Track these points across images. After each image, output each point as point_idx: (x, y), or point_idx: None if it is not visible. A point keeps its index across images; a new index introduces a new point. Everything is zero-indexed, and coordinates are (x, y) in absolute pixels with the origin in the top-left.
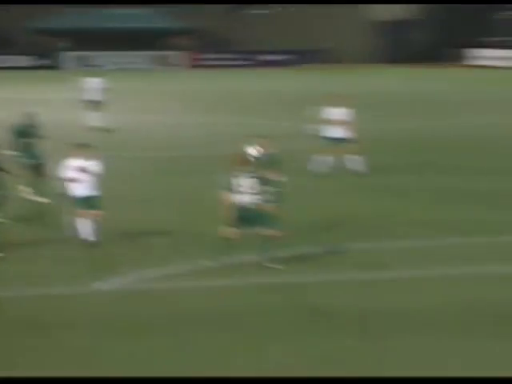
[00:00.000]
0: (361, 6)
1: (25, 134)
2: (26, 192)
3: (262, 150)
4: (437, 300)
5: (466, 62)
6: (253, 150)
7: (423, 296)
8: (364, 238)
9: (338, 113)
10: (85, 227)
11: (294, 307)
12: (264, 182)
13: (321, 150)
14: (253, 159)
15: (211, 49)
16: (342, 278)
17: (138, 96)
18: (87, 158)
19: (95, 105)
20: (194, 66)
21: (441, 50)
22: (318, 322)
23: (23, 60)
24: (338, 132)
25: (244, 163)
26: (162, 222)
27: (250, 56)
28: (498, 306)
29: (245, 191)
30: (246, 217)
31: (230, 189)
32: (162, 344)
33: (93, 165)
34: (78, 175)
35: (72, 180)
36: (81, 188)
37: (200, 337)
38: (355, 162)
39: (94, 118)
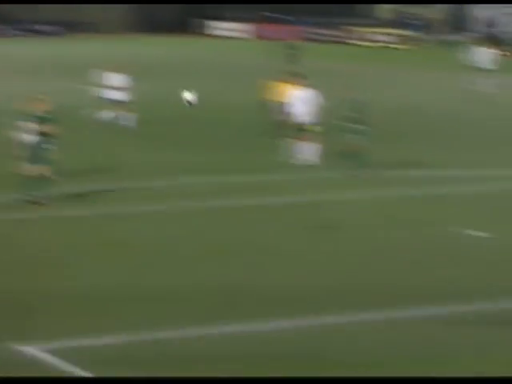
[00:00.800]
0: None
1: None
2: None
3: (42, 105)
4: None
5: (206, 32)
6: (36, 104)
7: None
8: (136, 177)
9: (114, 77)
10: None
11: (84, 237)
12: (42, 128)
13: (100, 108)
14: (36, 110)
15: None
16: (122, 212)
17: None
18: None
19: None
20: None
21: (186, 21)
22: (106, 249)
23: None
24: (114, 94)
25: (28, 109)
26: None
27: (24, 26)
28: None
29: (28, 132)
30: (29, 155)
31: (19, 130)
32: None
33: None
34: None
35: None
36: None
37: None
38: (127, 118)
39: None
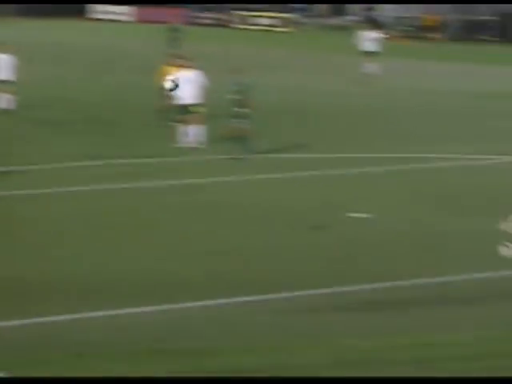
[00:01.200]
0: None
1: None
2: None
3: None
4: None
5: (90, 16)
6: None
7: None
8: (21, 162)
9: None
10: None
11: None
12: None
13: None
14: None
15: None
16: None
17: None
18: None
19: None
20: None
21: (66, 4)
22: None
23: None
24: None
25: None
26: None
27: None
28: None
29: None
30: None
31: None
32: None
33: None
34: None
35: None
36: None
37: None
38: (8, 100)
39: None
